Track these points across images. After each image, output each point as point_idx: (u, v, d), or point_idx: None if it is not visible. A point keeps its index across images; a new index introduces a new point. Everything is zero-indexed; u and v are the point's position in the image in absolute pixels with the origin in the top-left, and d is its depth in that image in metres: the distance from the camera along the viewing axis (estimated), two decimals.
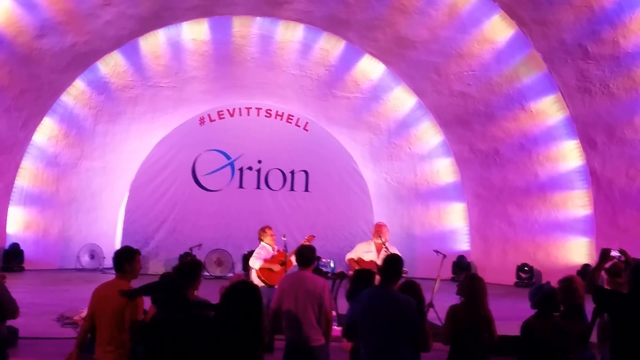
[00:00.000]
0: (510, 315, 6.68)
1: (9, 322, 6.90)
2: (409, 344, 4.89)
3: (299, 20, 15.81)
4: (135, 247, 5.64)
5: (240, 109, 17.59)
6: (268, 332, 7.74)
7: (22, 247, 15.84)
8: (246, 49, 16.42)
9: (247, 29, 16.00)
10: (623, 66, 13.11)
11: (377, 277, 6.13)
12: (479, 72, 15.35)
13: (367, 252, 9.79)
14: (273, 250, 10.18)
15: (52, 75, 15.18)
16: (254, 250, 10.36)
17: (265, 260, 9.99)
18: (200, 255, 12.91)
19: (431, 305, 9.62)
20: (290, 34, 16.18)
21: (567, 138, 14.87)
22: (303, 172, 17.87)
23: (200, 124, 17.36)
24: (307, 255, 6.02)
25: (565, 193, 15.24)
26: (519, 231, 16.17)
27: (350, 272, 9.71)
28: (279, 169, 17.77)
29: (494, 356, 5.54)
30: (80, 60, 15.37)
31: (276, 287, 6.24)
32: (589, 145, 14.43)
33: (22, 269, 15.64)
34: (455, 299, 5.67)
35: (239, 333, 3.80)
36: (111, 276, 5.45)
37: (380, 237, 9.68)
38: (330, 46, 16.42)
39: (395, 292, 5.01)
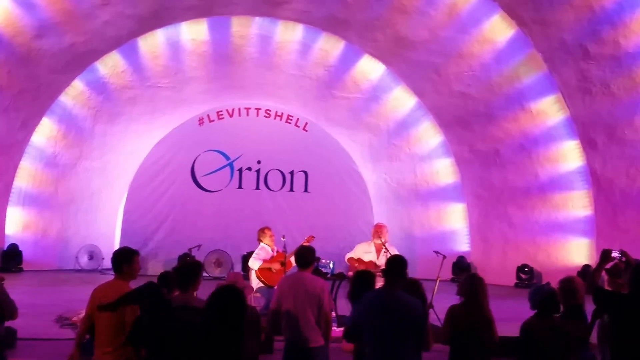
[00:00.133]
0: (510, 316, 6.65)
1: (8, 323, 6.88)
2: (414, 345, 4.87)
3: (298, 20, 15.77)
4: (134, 247, 5.63)
5: (239, 109, 17.56)
6: (267, 333, 7.74)
7: (20, 248, 15.81)
8: (245, 49, 16.39)
9: (246, 29, 15.96)
10: (624, 66, 13.07)
11: (378, 278, 6.16)
12: (479, 73, 15.31)
13: (367, 253, 9.78)
14: (272, 251, 10.18)
15: (51, 76, 15.14)
16: (253, 251, 10.38)
17: (265, 261, 9.99)
18: (199, 256, 12.87)
19: (431, 306, 9.58)
20: (289, 34, 16.14)
21: (567, 138, 14.83)
22: (302, 173, 17.85)
23: (199, 124, 17.34)
24: (306, 256, 5.98)
25: (565, 194, 15.19)
26: (519, 232, 16.13)
27: (350, 273, 9.70)
28: (279, 170, 17.75)
29: (494, 357, 5.51)
30: (79, 60, 15.33)
31: (275, 288, 6.22)
32: (589, 145, 14.39)
33: (20, 270, 15.59)
34: (455, 300, 5.64)
35: (223, 337, 3.77)
36: (110, 277, 5.44)
37: (379, 237, 9.66)
38: (330, 46, 16.38)
39: (403, 294, 4.98)
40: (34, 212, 16.45)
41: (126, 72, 16.25)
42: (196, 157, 17.32)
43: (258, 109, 17.65)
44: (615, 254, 5.43)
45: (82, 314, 8.41)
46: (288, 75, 16.98)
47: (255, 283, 10.01)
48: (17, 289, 10.19)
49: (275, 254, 10.13)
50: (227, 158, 17.51)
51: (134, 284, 5.28)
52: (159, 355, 4.19)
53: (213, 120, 17.40)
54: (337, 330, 8.33)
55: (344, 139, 17.95)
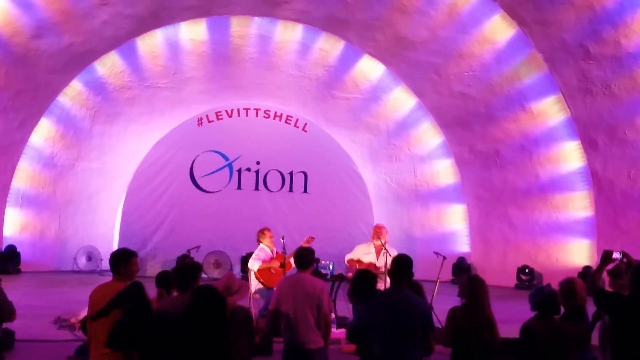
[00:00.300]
0: (510, 318, 6.63)
1: (6, 325, 6.85)
2: (420, 346, 4.90)
3: (298, 20, 15.72)
4: (132, 248, 5.64)
5: (238, 109, 17.51)
6: (266, 334, 7.69)
7: (18, 249, 15.74)
8: (244, 49, 16.34)
9: (245, 29, 15.91)
10: (625, 66, 13.04)
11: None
12: (480, 73, 15.26)
13: (367, 254, 9.77)
14: (272, 252, 10.16)
15: (49, 76, 15.11)
16: (252, 252, 10.36)
17: (264, 262, 9.97)
18: (198, 257, 12.78)
19: (430, 307, 9.52)
20: (289, 34, 16.09)
21: (568, 139, 14.79)
22: (302, 174, 17.79)
23: (198, 124, 17.29)
24: (305, 257, 5.97)
25: (566, 194, 15.16)
26: (519, 233, 16.09)
27: (350, 274, 9.67)
28: (278, 170, 17.69)
29: (495, 359, 5.45)
30: (77, 60, 15.29)
31: (275, 289, 6.19)
32: (590, 146, 14.36)
33: (18, 271, 15.53)
34: (455, 301, 5.63)
35: (205, 341, 3.73)
36: (109, 278, 5.43)
37: (379, 238, 9.64)
38: (329, 46, 16.33)
39: (410, 293, 5.01)
40: (32, 213, 16.41)
41: (125, 72, 16.20)
42: (195, 158, 17.27)
43: (257, 110, 17.60)
44: (616, 255, 5.35)
45: (81, 315, 8.42)
46: (287, 76, 16.93)
47: (254, 284, 10.00)
48: (15, 290, 10.18)
49: (274, 255, 10.11)
50: (226, 159, 17.46)
51: None
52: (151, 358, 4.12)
53: (212, 121, 17.35)
54: (336, 332, 8.30)
55: (343, 140, 17.91)
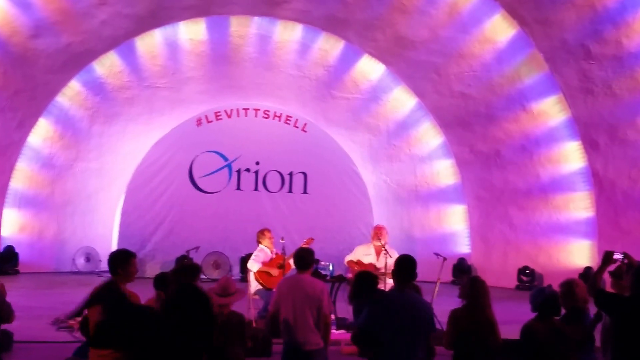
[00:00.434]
0: (511, 319, 6.64)
1: (4, 326, 6.84)
2: (424, 347, 4.91)
3: (297, 20, 15.67)
4: (131, 249, 5.68)
5: (237, 109, 17.45)
6: (266, 336, 7.66)
7: (16, 250, 15.68)
8: (244, 49, 16.28)
9: (244, 28, 15.85)
10: (626, 66, 12.99)
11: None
12: (480, 73, 15.21)
13: (367, 255, 9.78)
14: (272, 253, 10.15)
15: (47, 76, 15.04)
16: (251, 253, 10.37)
17: (264, 263, 9.98)
18: (197, 258, 12.74)
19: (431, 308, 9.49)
20: (288, 34, 16.03)
21: (569, 139, 14.74)
22: (301, 174, 17.73)
23: (197, 125, 17.23)
24: (305, 258, 5.96)
25: (567, 195, 15.11)
26: (520, 234, 16.04)
27: (349, 275, 9.67)
28: (277, 171, 17.63)
29: None
30: (76, 60, 15.22)
31: (274, 290, 6.21)
32: (591, 146, 14.31)
33: (16, 272, 15.48)
34: (455, 302, 5.63)
35: (187, 338, 3.69)
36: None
37: (379, 239, 9.65)
38: (329, 46, 16.27)
39: (415, 295, 5.03)
40: (31, 214, 16.34)
41: (123, 72, 16.13)
42: (194, 158, 17.20)
43: (257, 110, 17.54)
44: (617, 256, 5.39)
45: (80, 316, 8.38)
46: (287, 76, 16.86)
47: (254, 285, 9.99)
48: (13, 291, 10.14)
49: (274, 256, 10.09)
50: (226, 159, 17.40)
51: (130, 287, 5.23)
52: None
53: (211, 121, 17.29)
54: (336, 333, 8.27)
55: (343, 140, 17.85)
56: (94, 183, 17.07)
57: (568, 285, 5.58)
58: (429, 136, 17.42)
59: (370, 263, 9.67)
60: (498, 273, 15.67)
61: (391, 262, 8.98)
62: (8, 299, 6.31)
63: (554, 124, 14.86)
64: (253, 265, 9.94)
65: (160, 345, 3.65)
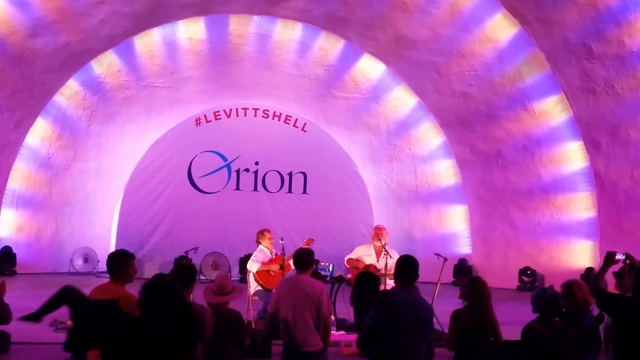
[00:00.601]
0: (512, 320, 6.66)
1: (2, 327, 6.82)
2: (426, 347, 4.93)
3: (297, 18, 15.63)
4: (130, 250, 5.67)
5: (237, 109, 17.38)
6: (265, 337, 7.59)
7: (14, 251, 15.61)
8: (243, 48, 16.23)
9: (244, 27, 15.80)
10: (628, 66, 12.95)
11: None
12: (481, 72, 15.16)
13: (367, 256, 9.79)
14: (271, 253, 10.14)
15: (45, 75, 14.99)
16: (251, 254, 10.36)
17: (264, 264, 9.96)
18: (196, 259, 12.73)
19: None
20: (288, 33, 15.98)
21: (570, 139, 14.71)
22: (301, 174, 17.66)
23: (196, 124, 17.16)
24: (305, 258, 5.95)
25: (568, 195, 15.08)
26: (521, 234, 15.99)
27: (349, 276, 9.63)
28: (277, 171, 17.55)
29: None
30: (74, 59, 15.18)
31: (274, 291, 6.16)
32: (592, 146, 14.28)
33: (14, 273, 15.42)
34: (456, 303, 5.63)
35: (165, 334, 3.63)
36: (105, 280, 5.44)
37: (379, 240, 9.64)
38: (329, 45, 16.22)
39: (418, 296, 5.00)
40: (28, 214, 16.28)
41: (122, 71, 16.08)
42: (193, 158, 17.13)
43: (256, 109, 17.47)
44: (619, 257, 5.40)
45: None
46: (287, 75, 16.81)
47: (253, 286, 9.97)
48: (10, 292, 9.98)
49: (273, 256, 10.07)
50: (225, 159, 17.33)
51: (129, 287, 5.26)
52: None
53: (210, 121, 17.22)
54: (336, 334, 8.22)
55: (343, 140, 17.79)
56: (92, 183, 17.03)
57: (569, 286, 5.55)
58: (430, 136, 17.37)
59: (370, 264, 9.64)
60: (499, 274, 15.60)
61: (391, 262, 8.93)
62: (6, 299, 6.26)
63: (555, 123, 14.82)
64: (253, 266, 9.92)
65: (138, 341, 3.58)
